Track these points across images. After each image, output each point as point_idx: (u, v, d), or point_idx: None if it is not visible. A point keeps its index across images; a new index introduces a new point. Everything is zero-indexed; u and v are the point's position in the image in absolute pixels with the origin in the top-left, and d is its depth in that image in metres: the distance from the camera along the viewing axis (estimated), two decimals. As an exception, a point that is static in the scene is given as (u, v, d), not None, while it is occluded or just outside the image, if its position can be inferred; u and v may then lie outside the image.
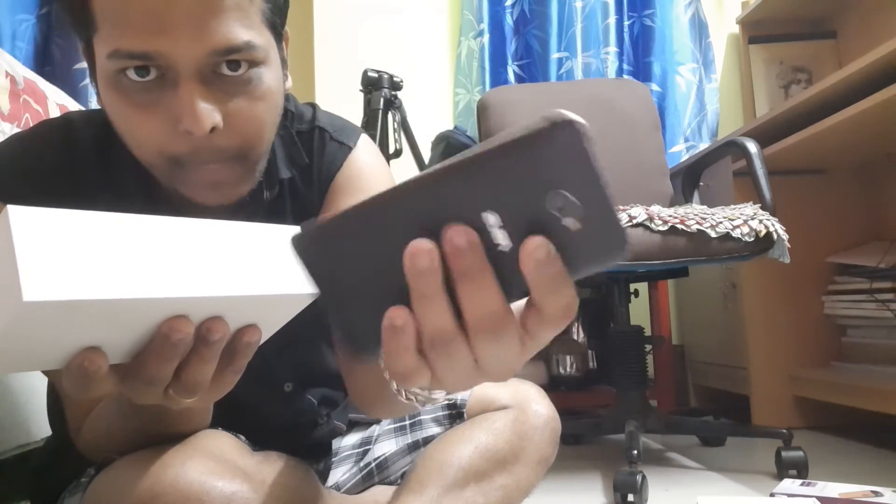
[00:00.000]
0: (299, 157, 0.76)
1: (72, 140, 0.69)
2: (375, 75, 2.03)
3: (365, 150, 0.79)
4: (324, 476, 0.91)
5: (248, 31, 0.59)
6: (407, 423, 0.94)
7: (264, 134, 0.64)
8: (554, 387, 2.23)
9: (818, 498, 1.18)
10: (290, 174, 0.75)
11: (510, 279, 0.33)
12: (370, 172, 0.78)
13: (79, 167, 0.68)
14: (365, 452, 0.94)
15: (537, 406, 0.87)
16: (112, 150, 0.67)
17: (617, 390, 1.73)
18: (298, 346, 0.77)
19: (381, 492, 0.89)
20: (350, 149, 0.78)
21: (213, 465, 0.60)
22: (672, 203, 1.93)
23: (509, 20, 2.56)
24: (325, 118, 0.80)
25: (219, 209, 0.64)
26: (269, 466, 0.67)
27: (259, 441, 0.74)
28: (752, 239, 1.47)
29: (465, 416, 0.91)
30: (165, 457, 0.60)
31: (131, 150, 0.63)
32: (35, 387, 1.14)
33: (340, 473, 0.93)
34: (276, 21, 0.64)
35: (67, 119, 0.72)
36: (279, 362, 0.78)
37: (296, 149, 0.76)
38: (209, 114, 0.58)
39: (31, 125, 0.76)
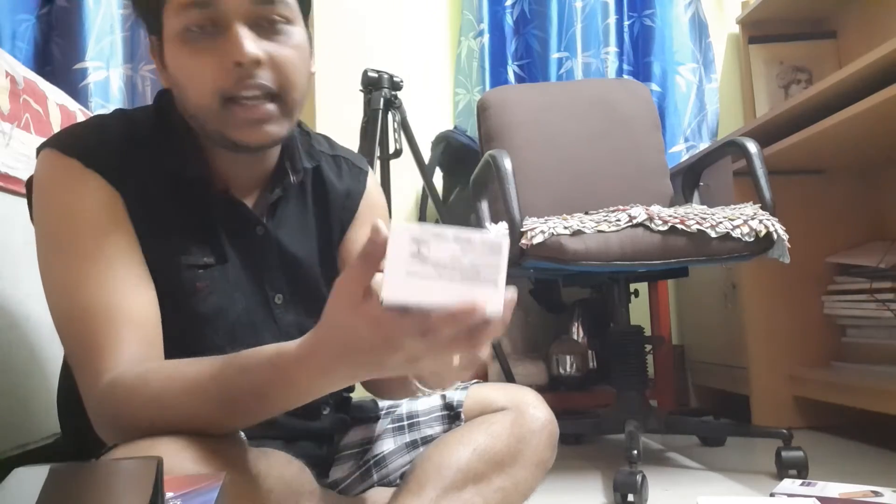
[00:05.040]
0: (317, 155, 0.91)
1: (132, 120, 0.82)
2: (375, 75, 2.03)
3: (372, 174, 1.00)
4: (326, 463, 0.92)
5: None
6: (405, 423, 0.95)
7: (297, 79, 0.77)
8: (554, 387, 2.23)
9: (818, 498, 1.18)
10: (309, 166, 0.89)
11: None
12: (380, 192, 1.01)
13: (139, 140, 0.80)
14: (365, 451, 0.95)
15: (534, 410, 0.88)
16: (168, 122, 0.81)
17: (617, 390, 1.73)
18: None
19: (380, 493, 0.89)
20: (366, 172, 0.98)
21: (207, 456, 0.61)
22: (672, 203, 1.93)
23: (509, 20, 2.56)
24: (342, 149, 0.98)
25: (257, 150, 0.78)
26: (264, 461, 0.67)
27: (261, 429, 0.74)
28: (752, 239, 1.46)
29: (461, 416, 0.92)
30: (160, 446, 0.60)
31: (189, 101, 0.76)
32: (35, 387, 1.14)
33: (341, 471, 0.93)
34: None
35: (121, 109, 0.85)
36: None
37: (314, 150, 0.91)
38: (254, 47, 0.73)
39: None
